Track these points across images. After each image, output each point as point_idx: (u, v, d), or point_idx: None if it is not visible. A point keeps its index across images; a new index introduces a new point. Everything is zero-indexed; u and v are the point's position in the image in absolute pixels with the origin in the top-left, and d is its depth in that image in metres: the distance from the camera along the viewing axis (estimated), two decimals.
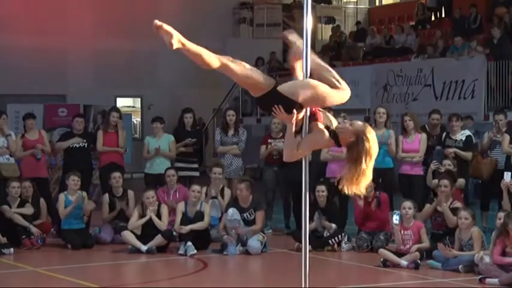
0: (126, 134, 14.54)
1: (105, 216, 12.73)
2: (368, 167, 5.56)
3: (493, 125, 13.26)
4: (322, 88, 5.60)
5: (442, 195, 11.15)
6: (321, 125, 5.63)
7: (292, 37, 5.97)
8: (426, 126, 13.32)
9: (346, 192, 5.61)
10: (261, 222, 11.92)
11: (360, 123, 5.65)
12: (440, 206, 11.04)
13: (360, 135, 5.54)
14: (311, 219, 11.90)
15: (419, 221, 11.01)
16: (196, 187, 12.11)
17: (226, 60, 5.63)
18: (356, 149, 5.53)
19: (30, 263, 11.20)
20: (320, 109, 5.70)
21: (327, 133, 5.61)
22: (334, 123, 5.72)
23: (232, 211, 11.71)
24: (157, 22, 5.51)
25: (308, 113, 5.64)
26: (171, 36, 5.68)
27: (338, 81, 5.69)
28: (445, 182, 11.20)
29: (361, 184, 5.57)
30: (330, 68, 5.82)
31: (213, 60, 5.70)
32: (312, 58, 5.75)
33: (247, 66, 5.64)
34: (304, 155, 5.77)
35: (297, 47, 5.88)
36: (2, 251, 11.67)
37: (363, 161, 5.52)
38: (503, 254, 9.61)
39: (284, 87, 5.58)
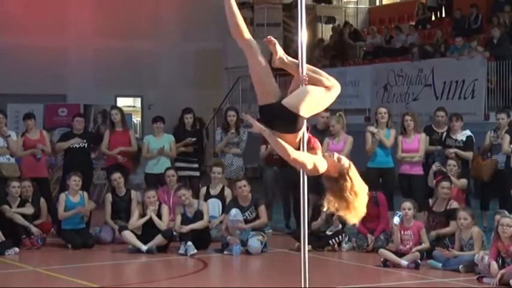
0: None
1: (107, 215, 12.72)
2: (355, 202, 5.74)
3: (493, 129, 13.20)
4: (317, 93, 5.65)
5: (443, 197, 11.21)
6: (320, 155, 5.74)
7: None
8: (432, 126, 13.29)
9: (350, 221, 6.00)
10: (266, 216, 11.95)
11: (346, 162, 5.76)
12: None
13: (343, 174, 5.72)
14: (316, 218, 11.92)
15: (419, 221, 11.00)
16: (181, 192, 12.09)
17: (254, 44, 5.68)
18: (337, 186, 5.71)
19: (31, 262, 11.20)
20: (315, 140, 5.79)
21: (324, 164, 5.70)
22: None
23: (234, 211, 11.72)
24: None
25: (306, 139, 5.71)
26: None
27: (328, 79, 5.73)
28: (447, 184, 11.25)
29: (355, 214, 5.81)
30: (318, 69, 5.84)
31: (244, 31, 5.72)
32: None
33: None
34: (296, 164, 5.73)
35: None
36: (5, 252, 11.65)
37: (347, 197, 5.71)
38: (499, 257, 9.59)
39: (287, 101, 5.60)
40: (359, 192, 5.75)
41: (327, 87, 5.69)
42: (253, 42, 5.67)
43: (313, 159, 5.63)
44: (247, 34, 5.68)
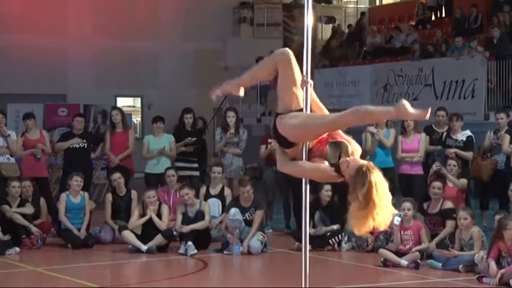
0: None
1: (107, 215, 12.73)
2: (374, 205, 4.99)
3: (494, 130, 13.18)
4: (312, 121, 5.28)
5: (433, 197, 11.23)
6: (321, 163, 5.27)
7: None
8: (433, 125, 13.29)
9: (357, 232, 5.22)
10: (258, 222, 11.87)
11: (362, 161, 5.19)
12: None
13: (360, 168, 5.07)
14: (311, 218, 11.91)
15: (419, 221, 11.00)
16: (184, 191, 12.09)
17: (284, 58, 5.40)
18: (354, 185, 5.05)
19: (31, 262, 11.19)
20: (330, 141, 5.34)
21: (329, 170, 5.23)
22: (355, 149, 5.28)
23: (234, 211, 11.70)
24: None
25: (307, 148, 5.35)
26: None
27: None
28: (438, 184, 11.27)
29: (368, 223, 5.05)
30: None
31: (269, 64, 5.50)
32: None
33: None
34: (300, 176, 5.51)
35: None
36: (6, 252, 11.66)
37: (363, 198, 5.00)
38: (500, 257, 9.58)
39: (280, 124, 5.32)
40: (380, 191, 5.01)
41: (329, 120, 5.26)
42: (282, 56, 5.38)
43: (309, 169, 5.32)
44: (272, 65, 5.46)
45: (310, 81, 5.43)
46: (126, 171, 13.34)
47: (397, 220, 10.78)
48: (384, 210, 5.05)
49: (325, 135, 5.35)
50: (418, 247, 10.62)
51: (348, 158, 5.22)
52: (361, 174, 5.05)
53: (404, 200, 11.20)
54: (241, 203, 11.90)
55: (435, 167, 12.24)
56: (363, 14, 27.23)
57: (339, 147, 5.30)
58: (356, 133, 13.18)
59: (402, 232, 10.77)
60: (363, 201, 5.02)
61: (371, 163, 5.20)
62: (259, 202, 12.04)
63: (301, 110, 5.37)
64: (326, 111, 5.53)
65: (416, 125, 12.80)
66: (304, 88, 5.43)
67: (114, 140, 13.76)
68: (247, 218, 11.83)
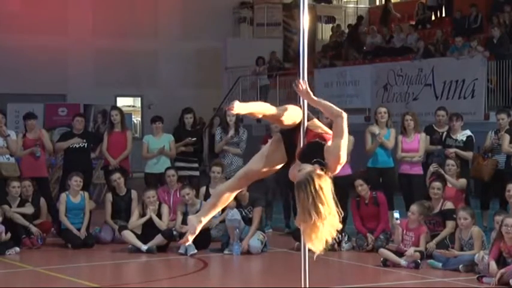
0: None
1: (107, 215, 12.73)
2: (317, 220, 5.04)
3: (495, 131, 13.17)
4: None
5: (433, 197, 11.23)
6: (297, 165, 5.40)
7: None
8: (433, 125, 13.27)
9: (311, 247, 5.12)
10: (257, 219, 11.88)
11: (308, 168, 5.14)
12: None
13: (299, 182, 5.13)
14: None
15: (424, 227, 10.95)
16: (185, 191, 12.11)
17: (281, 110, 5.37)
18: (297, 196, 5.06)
19: (31, 262, 11.20)
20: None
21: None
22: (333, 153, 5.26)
23: (232, 212, 11.71)
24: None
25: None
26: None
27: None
28: (437, 184, 11.26)
29: (315, 239, 5.06)
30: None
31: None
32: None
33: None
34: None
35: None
36: (6, 252, 11.66)
37: (308, 208, 5.06)
38: (501, 257, 9.58)
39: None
40: (320, 201, 5.08)
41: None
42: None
43: (291, 171, 5.53)
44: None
45: (304, 84, 5.38)
46: (123, 171, 13.35)
47: (396, 217, 10.79)
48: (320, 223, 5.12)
49: (313, 134, 5.39)
50: (414, 248, 10.58)
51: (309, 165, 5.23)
52: (299, 186, 5.18)
53: (417, 203, 11.11)
54: (238, 201, 11.90)
55: (432, 168, 12.24)
56: (343, 32, 27.01)
57: (308, 149, 5.34)
58: (357, 133, 13.16)
59: (404, 231, 10.76)
60: (300, 211, 5.16)
61: (318, 172, 5.16)
62: (257, 199, 12.04)
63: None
64: (335, 108, 5.44)
65: (416, 125, 12.79)
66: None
67: (111, 139, 13.76)
68: (245, 214, 11.81)
